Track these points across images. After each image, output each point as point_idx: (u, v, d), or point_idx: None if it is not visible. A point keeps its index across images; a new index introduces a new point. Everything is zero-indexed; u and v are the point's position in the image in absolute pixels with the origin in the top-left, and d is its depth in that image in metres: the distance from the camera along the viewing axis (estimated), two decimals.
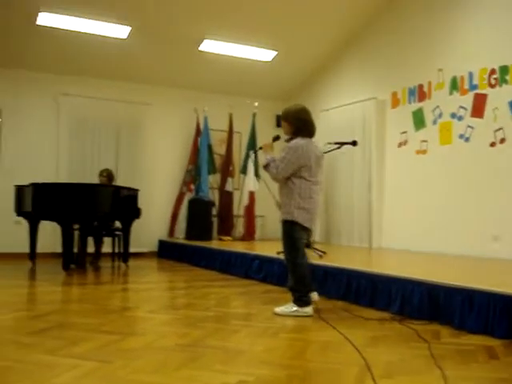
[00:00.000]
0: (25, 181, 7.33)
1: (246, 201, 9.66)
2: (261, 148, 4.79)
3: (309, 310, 4.36)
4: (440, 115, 7.30)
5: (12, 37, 8.01)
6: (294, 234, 4.42)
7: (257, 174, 9.64)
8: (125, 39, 8.26)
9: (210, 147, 9.76)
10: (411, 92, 7.80)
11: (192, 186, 9.78)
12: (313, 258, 5.71)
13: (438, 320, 4.06)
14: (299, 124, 4.57)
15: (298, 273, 4.44)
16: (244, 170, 9.81)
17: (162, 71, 9.44)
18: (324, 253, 6.26)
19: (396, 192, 8.04)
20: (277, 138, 4.97)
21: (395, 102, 8.11)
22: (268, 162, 4.49)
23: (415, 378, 2.70)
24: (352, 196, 8.71)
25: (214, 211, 9.71)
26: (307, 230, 4.57)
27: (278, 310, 4.43)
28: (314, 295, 4.54)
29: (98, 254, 8.11)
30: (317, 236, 8.94)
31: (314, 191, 4.45)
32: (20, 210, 7.45)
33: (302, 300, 4.37)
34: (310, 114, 4.70)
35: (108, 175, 7.99)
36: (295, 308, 4.38)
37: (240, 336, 3.62)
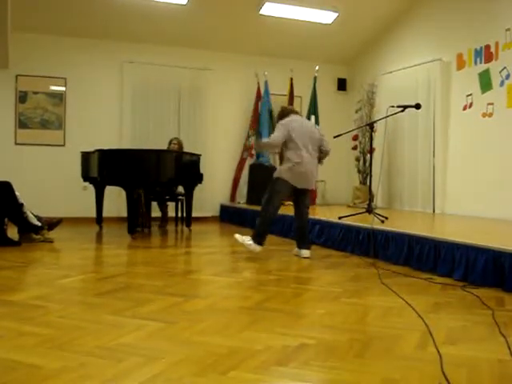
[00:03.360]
0: (90, 147, 7.54)
1: None
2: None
3: (258, 248, 5.38)
4: (507, 76, 7.01)
5: (75, 6, 8.14)
6: (276, 186, 5.46)
7: None
8: (185, 5, 8.26)
9: (270, 112, 9.73)
10: (477, 53, 7.51)
11: (253, 151, 9.80)
12: (375, 223, 5.67)
13: (503, 287, 3.98)
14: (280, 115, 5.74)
15: (261, 217, 5.45)
16: None
17: (223, 36, 9.42)
18: (386, 218, 6.20)
19: (460, 156, 7.84)
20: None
21: (461, 64, 7.84)
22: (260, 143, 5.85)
23: (478, 345, 2.66)
24: (415, 160, 8.56)
25: None
26: (292, 188, 5.50)
27: (238, 236, 5.48)
28: (304, 252, 5.53)
29: (164, 219, 8.32)
30: (378, 201, 8.86)
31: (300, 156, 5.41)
32: (86, 176, 7.67)
33: (255, 239, 5.38)
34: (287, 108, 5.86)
35: (178, 143, 8.12)
36: (250, 242, 5.39)
37: (301, 300, 3.66)
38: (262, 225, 5.45)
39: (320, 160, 5.78)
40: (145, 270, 4.72)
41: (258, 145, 5.85)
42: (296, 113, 5.80)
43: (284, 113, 5.72)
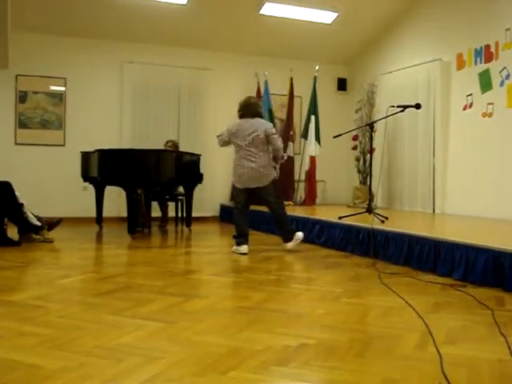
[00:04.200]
0: (90, 147, 7.54)
1: (306, 165, 9.63)
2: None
3: (242, 248, 5.70)
4: (507, 76, 7.01)
5: (76, 6, 8.14)
6: (233, 192, 6.04)
7: (317, 139, 9.59)
8: (185, 5, 8.26)
9: (270, 112, 9.71)
10: (477, 53, 7.50)
11: None
12: (375, 223, 5.68)
13: (502, 287, 3.98)
14: (241, 111, 5.97)
15: (234, 219, 5.91)
16: (305, 135, 9.75)
17: (223, 36, 9.42)
18: (386, 218, 6.20)
19: (460, 156, 7.83)
20: None
21: (461, 64, 7.83)
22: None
23: (478, 345, 2.67)
24: (415, 160, 8.56)
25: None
26: (243, 189, 5.82)
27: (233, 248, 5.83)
28: (288, 244, 5.88)
29: (165, 219, 8.33)
30: (378, 201, 8.86)
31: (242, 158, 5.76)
32: (86, 176, 7.67)
33: (236, 241, 5.78)
34: (247, 101, 5.99)
35: (173, 145, 8.12)
36: (234, 247, 5.79)
37: (301, 300, 3.66)
38: (235, 228, 5.88)
39: (274, 159, 5.95)
40: (145, 269, 4.72)
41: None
42: (251, 110, 5.90)
43: (241, 108, 5.96)
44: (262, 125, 5.81)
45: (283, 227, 5.94)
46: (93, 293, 3.73)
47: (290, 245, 5.88)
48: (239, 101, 6.08)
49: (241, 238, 5.76)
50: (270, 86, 9.72)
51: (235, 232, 5.83)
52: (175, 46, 9.50)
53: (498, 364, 2.39)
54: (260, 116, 5.95)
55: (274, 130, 5.83)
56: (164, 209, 8.38)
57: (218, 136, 6.11)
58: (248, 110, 5.89)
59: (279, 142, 5.83)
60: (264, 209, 8.21)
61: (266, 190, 5.81)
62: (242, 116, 5.91)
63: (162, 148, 8.08)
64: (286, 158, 6.16)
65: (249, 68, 9.90)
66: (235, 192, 5.94)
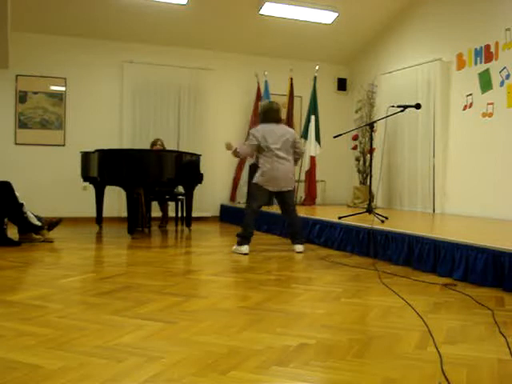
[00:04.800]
0: (90, 147, 7.54)
1: (306, 165, 9.63)
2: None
3: (243, 249, 5.73)
4: (507, 76, 7.02)
5: (76, 6, 8.14)
6: (252, 191, 6.01)
7: (317, 139, 9.59)
8: (185, 5, 8.26)
9: None
10: (477, 53, 7.51)
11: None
12: (375, 223, 5.68)
13: (502, 287, 3.98)
14: (262, 115, 6.01)
15: (243, 219, 5.85)
16: (305, 135, 9.74)
17: (223, 36, 9.42)
18: (386, 218, 6.20)
19: (460, 156, 7.84)
20: None
21: (461, 64, 7.84)
22: (236, 149, 5.92)
23: (478, 345, 2.67)
24: (415, 160, 8.55)
25: None
26: (268, 192, 5.87)
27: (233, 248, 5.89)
28: (297, 246, 5.92)
29: (165, 218, 8.33)
30: (378, 201, 8.86)
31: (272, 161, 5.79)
32: (86, 176, 7.67)
33: (239, 239, 5.79)
34: (272, 106, 5.99)
35: (162, 144, 8.13)
36: (235, 246, 5.83)
37: (301, 299, 3.66)
38: (242, 227, 5.85)
39: (295, 162, 6.10)
40: (145, 269, 4.72)
41: (235, 151, 5.98)
42: (273, 115, 5.95)
43: (262, 113, 6.00)
44: (288, 130, 6.02)
45: (298, 230, 6.00)
46: (93, 293, 3.73)
47: (300, 247, 5.92)
48: (261, 104, 6.22)
49: (244, 239, 5.79)
50: (270, 86, 9.72)
51: (241, 231, 5.81)
52: (175, 46, 9.51)
53: (498, 364, 2.39)
54: (281, 122, 6.10)
55: (297, 136, 6.13)
56: (164, 209, 8.39)
57: (245, 143, 6.05)
58: (272, 115, 5.94)
59: (303, 148, 6.02)
60: (264, 209, 8.24)
61: (289, 194, 5.96)
62: (265, 120, 5.94)
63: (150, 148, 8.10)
64: None
65: (249, 68, 9.90)
66: (257, 193, 5.88)
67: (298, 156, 6.07)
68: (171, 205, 8.42)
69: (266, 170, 5.79)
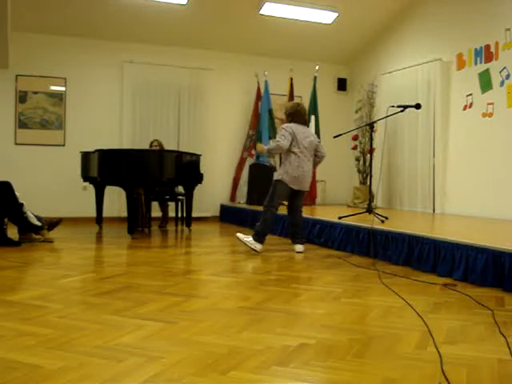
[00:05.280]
0: (90, 147, 7.54)
1: None
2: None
3: (259, 246, 5.72)
4: (507, 76, 7.02)
5: (76, 6, 8.14)
6: (276, 188, 5.80)
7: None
8: (185, 5, 8.26)
9: (270, 112, 9.72)
10: (477, 53, 7.51)
11: (253, 151, 9.80)
12: (375, 223, 5.68)
13: (502, 287, 3.98)
14: (290, 117, 5.98)
15: (263, 217, 5.78)
16: None
17: (223, 36, 9.42)
18: (386, 218, 6.20)
19: (460, 156, 7.84)
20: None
21: (461, 64, 7.84)
22: (269, 147, 5.88)
23: (478, 345, 2.66)
24: (415, 160, 8.56)
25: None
26: (290, 190, 5.83)
27: (239, 235, 5.89)
28: (298, 246, 5.92)
29: (165, 218, 8.33)
30: (378, 201, 8.86)
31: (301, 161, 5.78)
32: (86, 176, 7.67)
33: (257, 236, 5.72)
34: (299, 107, 6.00)
35: (159, 144, 8.12)
36: (250, 239, 5.76)
37: (301, 300, 3.66)
38: (263, 224, 5.77)
39: (315, 165, 6.14)
40: (145, 269, 4.72)
41: (268, 150, 5.91)
42: (300, 117, 5.96)
43: (291, 114, 5.95)
44: (312, 133, 6.21)
45: (298, 230, 6.01)
46: (93, 293, 3.73)
47: (300, 247, 5.93)
48: (287, 104, 6.29)
49: (262, 237, 5.77)
50: (270, 85, 9.72)
51: (260, 227, 5.76)
52: (175, 46, 9.51)
53: (498, 364, 2.39)
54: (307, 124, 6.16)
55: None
56: (164, 209, 8.39)
57: (273, 145, 5.85)
58: (300, 116, 5.95)
59: (325, 152, 6.09)
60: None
61: (303, 194, 6.05)
62: (293, 121, 5.92)
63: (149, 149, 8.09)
64: None
65: (249, 68, 9.90)
66: (282, 191, 5.82)
67: (319, 159, 6.09)
68: (171, 205, 8.42)
69: (294, 168, 5.74)
